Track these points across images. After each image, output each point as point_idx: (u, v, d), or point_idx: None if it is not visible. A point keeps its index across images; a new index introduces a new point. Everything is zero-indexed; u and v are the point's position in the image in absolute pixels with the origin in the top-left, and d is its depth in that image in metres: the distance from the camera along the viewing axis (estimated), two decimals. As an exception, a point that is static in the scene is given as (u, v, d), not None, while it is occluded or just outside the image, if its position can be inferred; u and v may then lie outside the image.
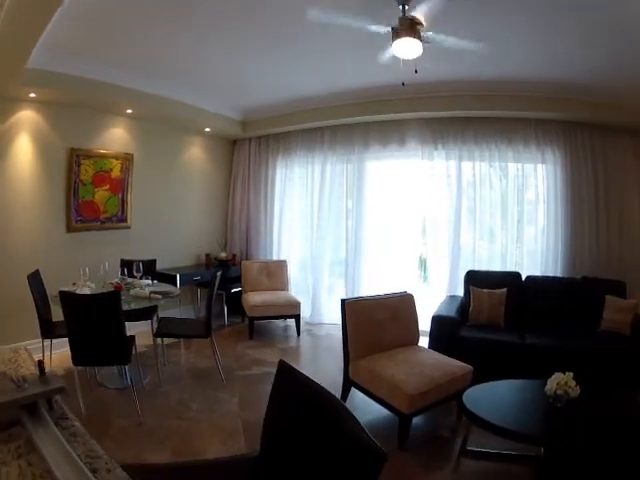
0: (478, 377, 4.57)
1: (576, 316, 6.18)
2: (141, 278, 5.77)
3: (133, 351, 4.88)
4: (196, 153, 9.00)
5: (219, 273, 6.03)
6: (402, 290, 5.78)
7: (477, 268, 7.28)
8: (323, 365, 6.33)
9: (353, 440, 1.74)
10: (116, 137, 7.37)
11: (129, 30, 5.08)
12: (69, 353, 4.55)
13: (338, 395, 5.08)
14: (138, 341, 5.30)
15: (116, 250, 6.99)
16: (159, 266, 7.29)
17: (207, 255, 8.96)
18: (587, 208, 7.09)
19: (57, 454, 1.42)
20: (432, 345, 5.80)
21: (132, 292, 5.34)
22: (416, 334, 5.49)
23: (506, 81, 6.45)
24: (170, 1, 4.46)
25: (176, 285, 7.08)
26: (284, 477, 2.10)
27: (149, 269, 6.36)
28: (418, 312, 5.67)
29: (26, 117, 6.22)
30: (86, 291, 4.99)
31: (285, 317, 7.98)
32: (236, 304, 8.34)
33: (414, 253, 8.31)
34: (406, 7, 4.18)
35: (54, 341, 5.33)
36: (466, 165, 7.66)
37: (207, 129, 8.80)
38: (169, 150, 8.38)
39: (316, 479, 1.90)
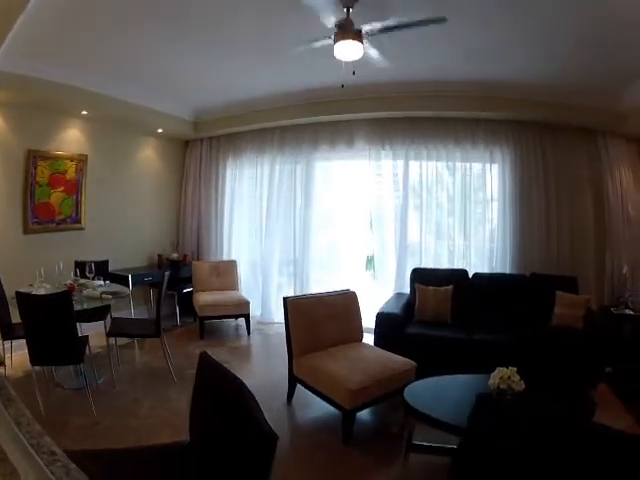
0: (424, 373, 4.59)
1: (526, 312, 6.29)
2: (93, 279, 5.77)
3: (87, 351, 4.93)
4: (149, 154, 8.96)
5: (167, 273, 6.07)
6: (346, 288, 5.85)
7: (426, 266, 7.39)
8: (272, 363, 6.35)
9: (253, 424, 1.87)
10: (71, 138, 7.32)
11: (83, 32, 5.06)
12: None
13: (285, 393, 5.22)
14: (93, 342, 5.44)
15: (71, 251, 6.96)
16: (112, 267, 7.32)
17: (159, 256, 8.91)
18: (537, 207, 7.23)
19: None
20: (377, 342, 5.86)
21: (85, 293, 5.34)
22: (360, 331, 5.54)
23: (451, 82, 6.58)
24: (121, 3, 4.45)
25: (128, 286, 7.06)
26: (205, 462, 2.22)
27: (101, 270, 6.38)
28: (366, 310, 5.75)
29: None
30: (42, 292, 4.95)
31: (235, 316, 7.98)
32: (188, 304, 8.32)
33: (362, 252, 8.46)
34: (350, 10, 4.24)
35: (15, 342, 5.36)
36: (414, 165, 7.77)
37: (160, 130, 8.75)
38: (122, 151, 8.34)
39: (227, 461, 2.02)
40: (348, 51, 4.42)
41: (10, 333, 5.25)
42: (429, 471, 3.97)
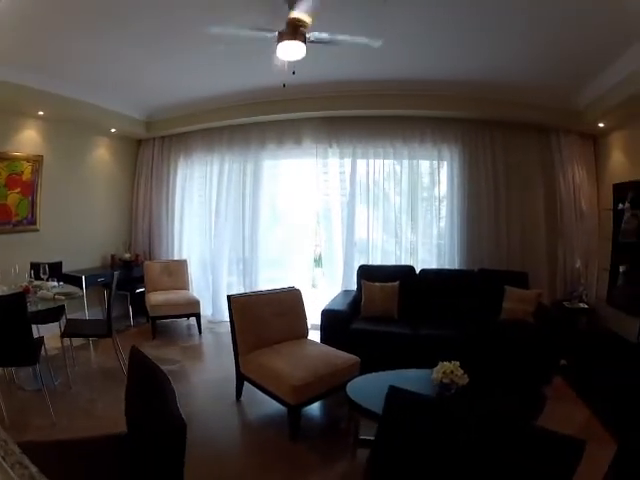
0: (371, 368, 4.62)
1: (474, 307, 6.41)
2: (48, 280, 5.74)
3: (43, 352, 4.93)
4: (103, 154, 8.88)
5: (116, 273, 6.08)
6: (291, 285, 5.90)
7: (374, 263, 7.50)
8: (222, 361, 6.34)
9: (170, 412, 1.95)
10: (28, 139, 7.23)
11: (36, 32, 5.00)
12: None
13: (233, 390, 5.25)
14: (50, 344, 5.54)
15: (27, 253, 6.83)
16: (66, 268, 7.23)
17: (112, 256, 8.85)
18: (487, 203, 7.36)
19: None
20: (324, 338, 5.92)
21: (39, 294, 5.29)
22: (305, 327, 5.59)
23: (396, 81, 6.66)
24: (71, 2, 4.41)
25: (82, 287, 7.00)
26: (135, 451, 2.31)
27: (56, 271, 6.35)
28: (315, 307, 5.80)
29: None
30: (-2, 294, 4.96)
31: (186, 316, 7.97)
32: (141, 305, 8.25)
33: (310, 250, 8.47)
34: (294, 10, 4.25)
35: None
36: (361, 163, 7.86)
37: (113, 130, 8.67)
38: (77, 152, 8.25)
39: (149, 449, 2.11)
40: (291, 51, 4.43)
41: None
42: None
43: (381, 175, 7.91)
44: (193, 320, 8.00)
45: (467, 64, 5.96)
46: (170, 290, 8.16)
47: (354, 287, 7.29)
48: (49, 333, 5.82)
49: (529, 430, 1.89)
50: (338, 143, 7.89)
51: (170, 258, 9.11)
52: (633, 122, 6.14)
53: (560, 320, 6.28)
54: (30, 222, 7.35)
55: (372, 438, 4.13)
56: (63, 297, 5.34)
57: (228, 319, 7.99)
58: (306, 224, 8.41)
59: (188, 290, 8.50)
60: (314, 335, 5.96)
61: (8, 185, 6.96)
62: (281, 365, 4.57)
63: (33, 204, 7.37)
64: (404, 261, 7.64)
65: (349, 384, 4.18)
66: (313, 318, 6.34)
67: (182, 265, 8.67)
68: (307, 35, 4.38)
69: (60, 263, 6.95)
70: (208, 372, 6.32)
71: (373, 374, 4.45)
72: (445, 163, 7.71)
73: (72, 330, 5.75)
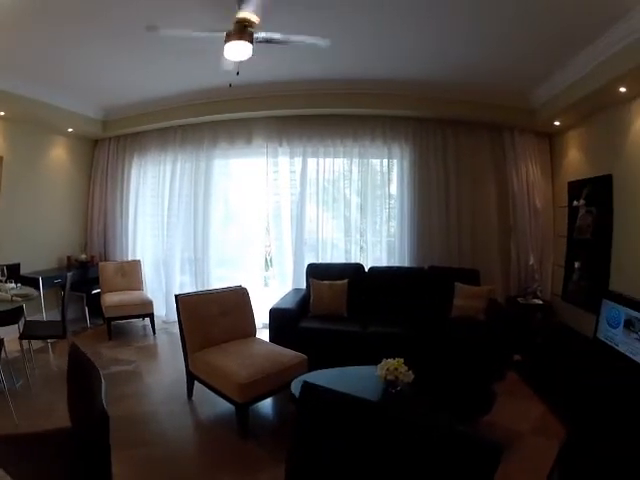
0: (320, 366, 4.68)
1: (425, 304, 6.49)
2: (6, 282, 5.72)
3: (3, 354, 4.89)
4: (60, 154, 8.78)
5: (69, 274, 6.08)
6: (238, 284, 5.95)
7: (324, 261, 7.60)
8: (176, 361, 6.32)
9: (97, 405, 2.10)
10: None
11: None
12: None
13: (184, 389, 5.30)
14: (10, 347, 5.55)
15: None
16: (24, 270, 7.22)
17: (68, 257, 8.76)
18: (437, 201, 7.50)
19: None
20: (272, 337, 5.97)
21: (-2, 296, 5.33)
22: (253, 326, 5.64)
23: (343, 80, 6.75)
24: (24, 1, 4.38)
25: (39, 288, 6.95)
26: (78, 443, 2.35)
27: (14, 273, 6.35)
28: (266, 306, 5.83)
29: None
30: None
31: (140, 316, 7.95)
32: (97, 306, 8.12)
33: (261, 248, 8.54)
34: (242, 10, 4.27)
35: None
36: (312, 161, 7.95)
37: (70, 129, 8.57)
38: (35, 152, 8.16)
39: (83, 441, 2.25)
40: (238, 51, 4.46)
41: None
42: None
43: (332, 174, 8.01)
44: (148, 320, 7.99)
45: (416, 64, 6.09)
46: (124, 291, 8.13)
47: (303, 285, 7.37)
48: (8, 336, 5.73)
49: (444, 433, 1.85)
50: (288, 142, 7.98)
51: (124, 258, 9.07)
52: (589, 121, 6.31)
53: (512, 316, 6.46)
54: (-11, 224, 7.25)
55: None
56: (20, 299, 5.34)
57: (177, 319, 8.16)
58: (257, 223, 8.47)
59: (142, 290, 8.49)
60: (265, 334, 6.06)
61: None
62: (228, 363, 4.62)
63: (-7, 205, 7.27)
64: (356, 259, 7.73)
65: (294, 382, 4.22)
66: (264, 317, 6.44)
67: (136, 265, 8.65)
68: (255, 35, 4.42)
69: (18, 265, 6.96)
70: (161, 372, 6.36)
71: (319, 371, 4.50)
72: (395, 161, 7.83)
73: (29, 332, 5.74)
